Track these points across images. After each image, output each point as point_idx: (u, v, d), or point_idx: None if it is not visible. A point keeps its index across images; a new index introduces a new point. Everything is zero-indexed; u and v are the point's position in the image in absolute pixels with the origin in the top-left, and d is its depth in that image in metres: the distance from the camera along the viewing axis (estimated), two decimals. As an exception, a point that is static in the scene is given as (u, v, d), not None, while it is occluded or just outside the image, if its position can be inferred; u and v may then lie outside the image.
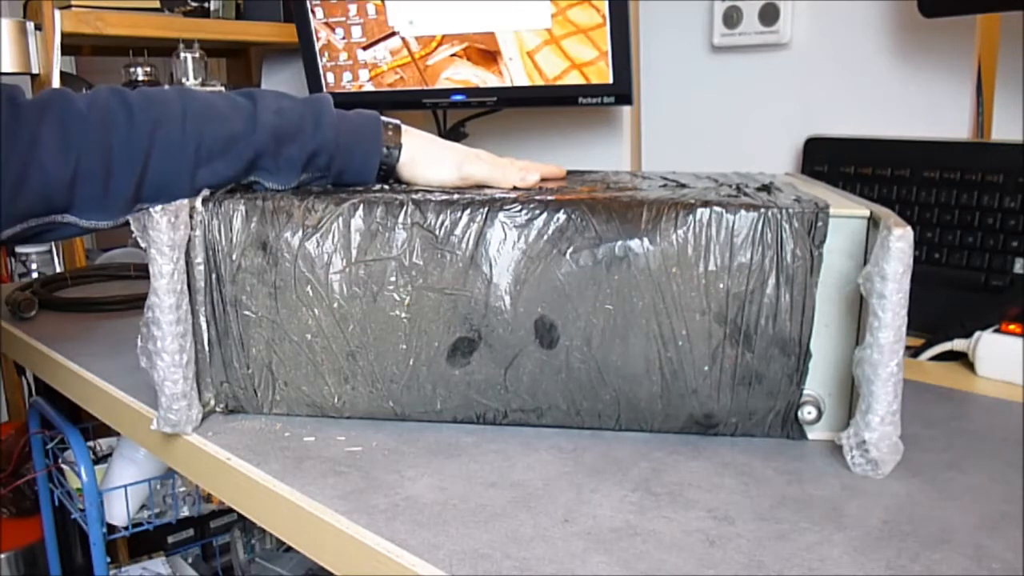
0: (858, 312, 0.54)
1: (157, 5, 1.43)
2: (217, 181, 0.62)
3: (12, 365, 1.65)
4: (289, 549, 1.43)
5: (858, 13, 1.05)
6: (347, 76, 1.36)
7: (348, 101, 1.04)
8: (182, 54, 1.46)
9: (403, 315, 0.58)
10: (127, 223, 0.60)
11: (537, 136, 1.42)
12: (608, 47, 1.11)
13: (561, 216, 0.55)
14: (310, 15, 1.34)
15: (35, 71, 1.29)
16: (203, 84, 1.47)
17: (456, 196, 0.58)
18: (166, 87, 0.65)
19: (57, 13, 1.27)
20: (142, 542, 1.42)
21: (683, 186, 0.65)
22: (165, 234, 0.56)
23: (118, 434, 1.20)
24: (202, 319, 0.60)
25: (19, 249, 1.50)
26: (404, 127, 0.69)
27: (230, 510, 1.43)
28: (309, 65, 1.38)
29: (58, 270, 1.46)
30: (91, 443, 1.23)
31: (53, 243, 1.46)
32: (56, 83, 1.28)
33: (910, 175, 0.90)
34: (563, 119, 1.37)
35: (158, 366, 0.58)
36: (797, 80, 1.12)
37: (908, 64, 1.02)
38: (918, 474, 0.52)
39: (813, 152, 1.01)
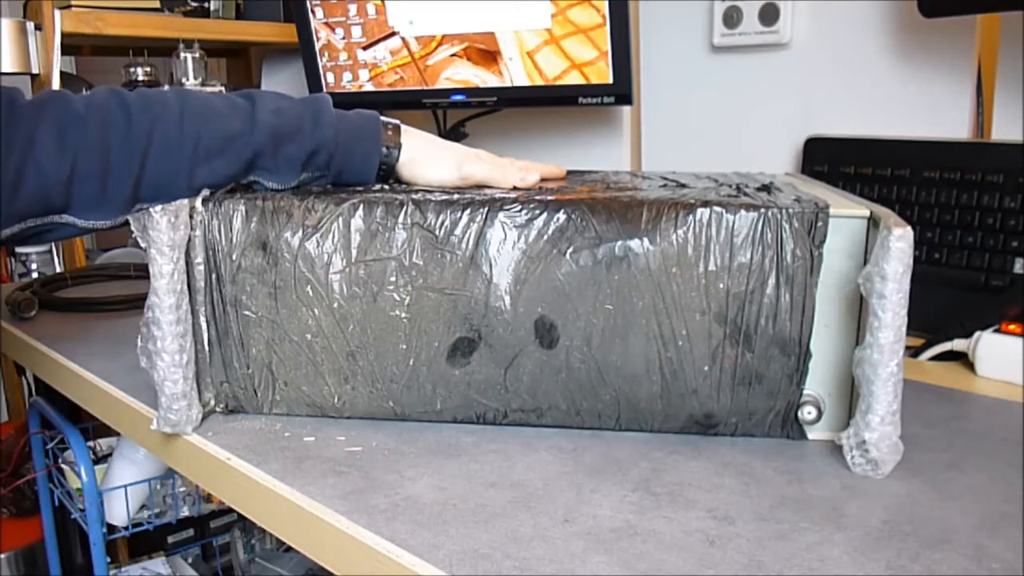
0: (858, 312, 0.54)
1: (157, 5, 1.43)
2: (216, 180, 0.62)
3: (12, 365, 1.65)
4: (289, 549, 1.43)
5: (858, 13, 1.05)
6: (347, 76, 1.36)
7: (348, 101, 1.04)
8: (182, 54, 1.46)
9: (403, 315, 0.58)
10: (127, 223, 0.60)
11: (537, 136, 1.42)
12: (608, 47, 1.11)
13: (561, 216, 0.55)
14: (310, 15, 1.34)
15: (35, 71, 1.29)
16: (203, 84, 1.47)
17: (456, 196, 0.58)
18: (165, 88, 0.65)
19: (57, 13, 1.27)
20: (142, 542, 1.42)
21: (683, 186, 0.65)
22: (165, 234, 0.56)
23: (118, 434, 1.20)
24: (202, 319, 0.60)
25: (19, 249, 1.50)
26: (404, 127, 0.69)
27: (230, 510, 1.43)
28: (309, 65, 1.38)
29: (58, 270, 1.45)
30: (91, 443, 1.23)
31: (53, 243, 1.46)
32: (56, 83, 1.28)
33: (910, 175, 0.90)
34: (563, 119, 1.37)
35: (158, 366, 0.58)
36: (797, 80, 1.12)
37: (908, 64, 1.02)
38: (918, 474, 0.52)
39: (813, 152, 1.01)
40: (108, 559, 1.13)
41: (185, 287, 0.58)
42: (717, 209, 0.53)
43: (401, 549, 0.44)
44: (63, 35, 1.28)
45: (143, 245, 0.57)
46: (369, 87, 1.35)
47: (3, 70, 1.25)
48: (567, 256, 0.55)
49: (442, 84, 1.29)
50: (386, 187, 0.65)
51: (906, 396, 0.51)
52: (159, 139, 0.60)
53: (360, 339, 0.59)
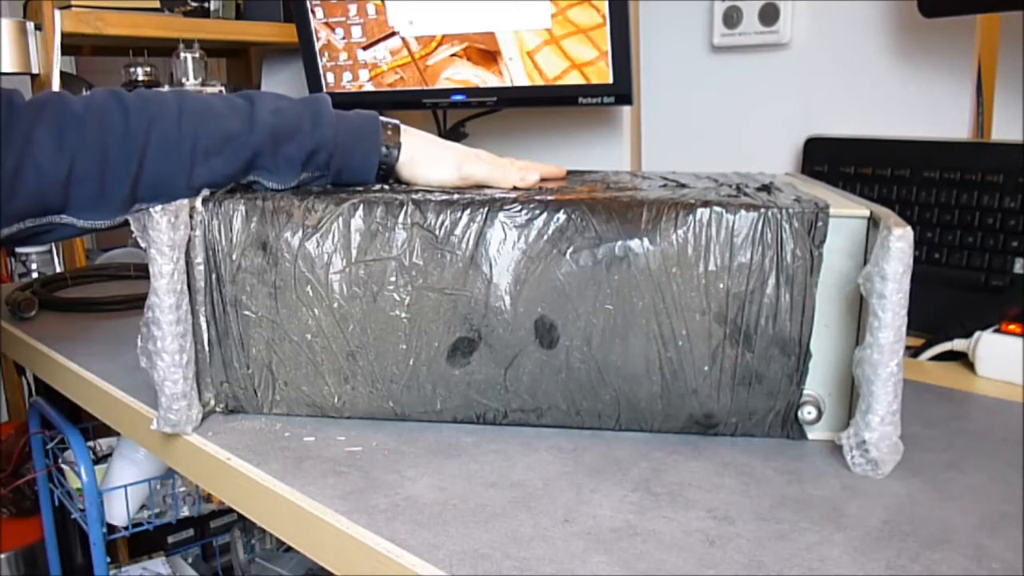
0: (858, 312, 0.54)
1: (157, 5, 1.43)
2: (215, 180, 0.62)
3: (12, 365, 1.65)
4: (289, 549, 1.43)
5: (858, 13, 1.05)
6: (347, 76, 1.36)
7: (348, 101, 1.04)
8: (182, 54, 1.46)
9: (403, 315, 0.58)
10: (126, 223, 0.60)
11: (537, 136, 1.42)
12: (608, 47, 1.11)
13: (561, 216, 0.55)
14: (310, 15, 1.34)
15: (35, 71, 1.29)
16: (203, 84, 1.47)
17: (456, 196, 0.58)
18: (165, 88, 0.65)
19: (57, 13, 1.27)
20: (142, 542, 1.42)
21: (683, 186, 0.65)
22: (165, 234, 0.56)
23: (118, 434, 1.20)
24: (202, 319, 0.60)
25: (19, 249, 1.50)
26: (403, 127, 0.69)
27: (230, 510, 1.43)
28: (309, 65, 1.38)
29: (58, 270, 1.45)
30: (91, 443, 1.23)
31: (53, 243, 1.46)
32: (56, 83, 1.28)
33: (910, 175, 0.90)
34: (563, 119, 1.37)
35: (158, 366, 0.58)
36: (797, 80, 1.12)
37: (908, 64, 1.02)
38: (918, 474, 0.52)
39: (813, 152, 1.01)
40: (108, 559, 1.13)
41: (185, 287, 0.58)
42: (717, 209, 0.53)
43: (401, 549, 0.44)
44: (63, 35, 1.28)
45: (143, 245, 0.57)
46: (369, 87, 1.35)
47: (3, 70, 1.25)
48: (567, 256, 0.55)
49: (442, 84, 1.29)
50: (386, 187, 0.65)
51: (906, 396, 0.51)
52: (157, 139, 0.60)
53: (360, 339, 0.59)
